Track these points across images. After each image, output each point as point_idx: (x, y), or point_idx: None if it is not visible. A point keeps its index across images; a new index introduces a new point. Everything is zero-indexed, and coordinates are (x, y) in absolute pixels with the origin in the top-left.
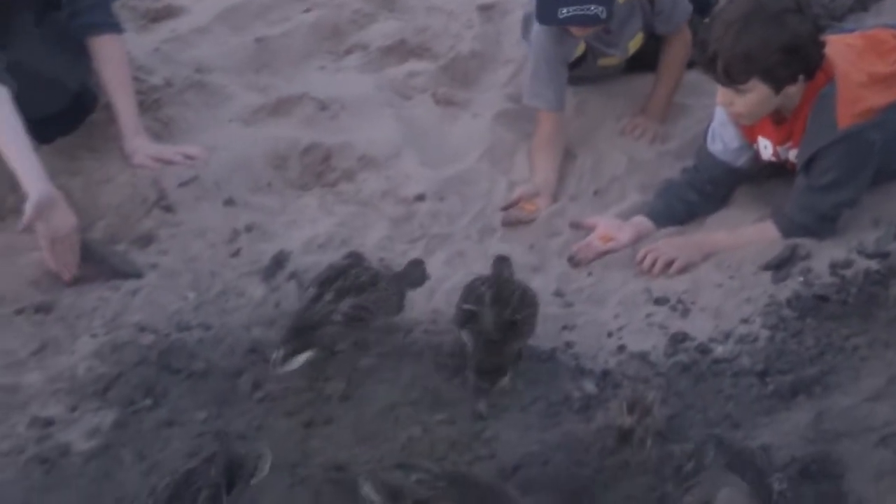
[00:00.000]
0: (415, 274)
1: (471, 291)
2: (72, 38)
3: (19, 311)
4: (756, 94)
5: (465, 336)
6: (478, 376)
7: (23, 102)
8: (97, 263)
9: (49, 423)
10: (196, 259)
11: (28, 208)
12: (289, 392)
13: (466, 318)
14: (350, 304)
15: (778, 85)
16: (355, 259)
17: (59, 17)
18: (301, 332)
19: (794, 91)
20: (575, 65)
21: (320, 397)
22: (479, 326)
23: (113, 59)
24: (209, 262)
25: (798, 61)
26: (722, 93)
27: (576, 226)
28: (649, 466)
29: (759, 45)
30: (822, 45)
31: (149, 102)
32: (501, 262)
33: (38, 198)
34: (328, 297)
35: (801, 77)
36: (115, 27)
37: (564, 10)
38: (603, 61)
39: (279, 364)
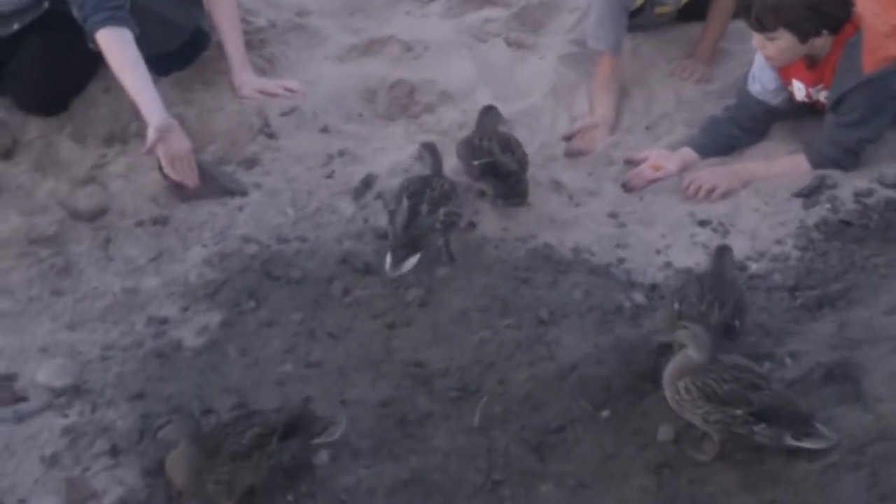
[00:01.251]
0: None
1: (477, 147)
2: None
3: (139, 224)
4: (783, 42)
5: (484, 185)
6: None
7: (144, 41)
8: (208, 182)
9: (164, 321)
10: (295, 180)
11: (150, 133)
12: (374, 297)
13: (483, 171)
14: (444, 212)
15: (803, 36)
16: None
17: None
18: (409, 240)
19: (820, 42)
20: (634, 14)
21: (402, 303)
22: (503, 168)
23: (224, 3)
24: (306, 183)
25: (820, 17)
26: (756, 37)
27: (629, 161)
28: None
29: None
30: (848, 4)
31: (255, 42)
32: (494, 114)
33: (158, 124)
34: (424, 208)
35: (824, 31)
36: None
37: None
38: (659, 10)
39: (392, 268)
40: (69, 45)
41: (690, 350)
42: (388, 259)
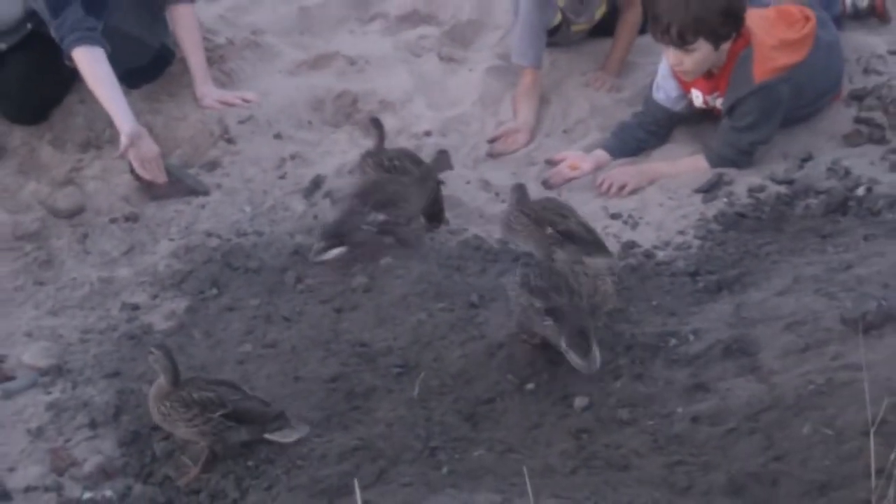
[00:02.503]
0: (443, 162)
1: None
2: (155, 7)
3: (113, 220)
4: (700, 53)
5: None
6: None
7: (116, 58)
8: (174, 183)
9: (136, 307)
10: (251, 180)
11: (122, 140)
12: (324, 284)
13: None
14: (382, 219)
15: (717, 43)
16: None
17: None
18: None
19: (724, 48)
20: (552, 32)
21: (348, 289)
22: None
23: (187, 23)
24: (262, 183)
25: (732, 22)
26: (672, 55)
27: (550, 161)
28: (605, 343)
29: (704, 10)
30: (744, 6)
31: (215, 58)
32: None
33: (129, 131)
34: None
35: (732, 34)
36: None
37: None
38: (574, 28)
39: (315, 255)
40: (48, 63)
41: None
42: (315, 247)
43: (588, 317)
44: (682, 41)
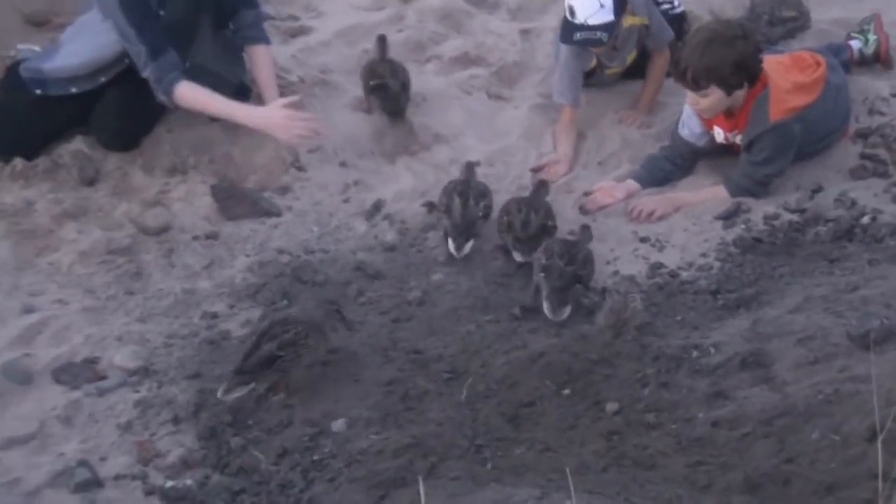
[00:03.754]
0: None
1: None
2: (235, 47)
3: (195, 238)
4: (714, 97)
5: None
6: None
7: None
8: (250, 204)
9: (215, 316)
10: (319, 203)
11: (280, 103)
12: (382, 297)
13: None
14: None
15: (729, 90)
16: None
17: (227, 33)
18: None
19: (740, 94)
20: (588, 74)
21: (404, 301)
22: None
23: (263, 62)
24: (328, 206)
25: (743, 73)
26: (690, 96)
27: (587, 192)
28: (634, 354)
29: (717, 61)
30: (760, 61)
31: (287, 93)
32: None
33: (264, 110)
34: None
35: (745, 84)
36: (266, 40)
37: (578, 35)
38: (609, 71)
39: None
40: (141, 96)
41: None
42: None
43: (574, 282)
44: (696, 86)
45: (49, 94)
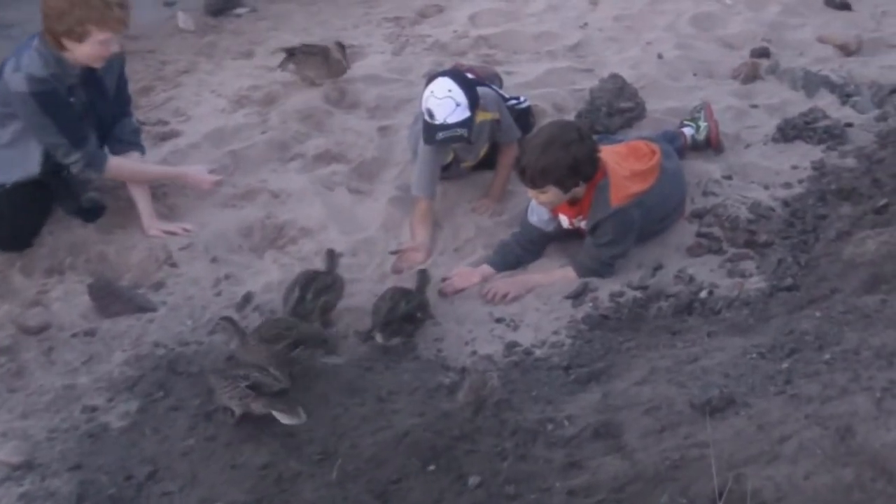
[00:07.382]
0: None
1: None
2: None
3: (74, 335)
4: (551, 194)
5: None
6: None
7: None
8: (126, 301)
9: (94, 409)
10: (192, 298)
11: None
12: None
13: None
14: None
15: (566, 189)
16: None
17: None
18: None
19: (579, 189)
20: (445, 168)
21: None
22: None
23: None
24: (200, 300)
25: (578, 174)
26: (530, 192)
27: (444, 278)
28: (493, 429)
29: (553, 164)
30: (597, 158)
31: (159, 194)
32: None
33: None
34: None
35: (581, 182)
36: (140, 147)
37: (440, 134)
38: (464, 164)
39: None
40: (36, 197)
41: None
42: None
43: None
44: (534, 185)
45: None
